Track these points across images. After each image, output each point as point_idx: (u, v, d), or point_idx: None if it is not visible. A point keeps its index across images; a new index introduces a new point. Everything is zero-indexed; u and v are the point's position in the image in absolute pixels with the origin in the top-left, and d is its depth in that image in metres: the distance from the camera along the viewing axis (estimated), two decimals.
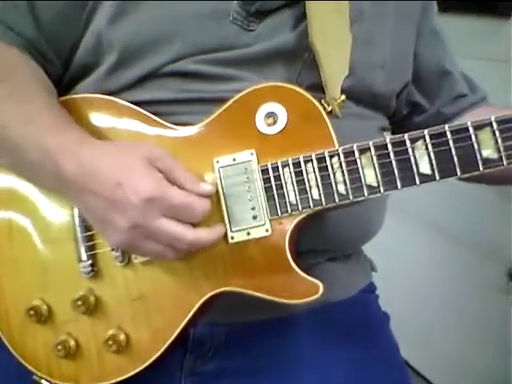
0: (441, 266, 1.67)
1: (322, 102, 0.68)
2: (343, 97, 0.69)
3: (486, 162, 0.59)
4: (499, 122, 0.59)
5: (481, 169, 0.59)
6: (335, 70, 0.70)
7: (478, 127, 0.59)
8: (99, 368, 0.69)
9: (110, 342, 0.67)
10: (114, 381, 0.69)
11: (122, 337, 0.68)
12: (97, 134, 0.69)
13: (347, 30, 0.73)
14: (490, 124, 0.59)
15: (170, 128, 0.70)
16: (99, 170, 0.61)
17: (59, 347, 0.69)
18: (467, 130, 0.59)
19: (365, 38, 0.75)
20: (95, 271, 0.69)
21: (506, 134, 0.59)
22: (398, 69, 0.79)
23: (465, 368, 1.60)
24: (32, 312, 0.70)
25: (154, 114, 0.71)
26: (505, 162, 0.59)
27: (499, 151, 0.59)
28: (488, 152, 0.59)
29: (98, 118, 0.72)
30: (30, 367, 0.71)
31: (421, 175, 0.61)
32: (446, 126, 0.60)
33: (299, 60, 0.72)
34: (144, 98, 0.72)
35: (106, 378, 0.69)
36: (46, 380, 0.71)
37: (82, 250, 0.69)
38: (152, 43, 0.71)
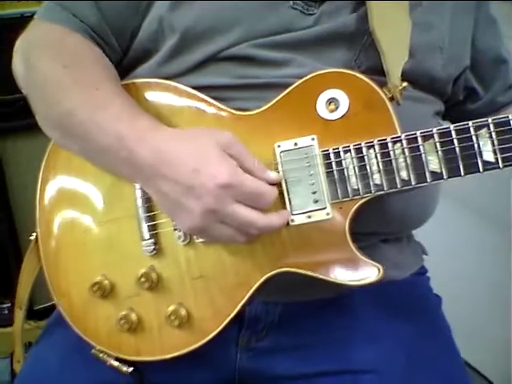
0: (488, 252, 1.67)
1: (384, 89, 0.68)
2: (405, 83, 0.70)
3: None
4: None
5: None
6: (396, 56, 0.71)
7: None
8: (160, 342, 0.72)
9: (173, 317, 0.70)
10: (173, 355, 0.71)
11: (183, 313, 0.70)
12: (158, 117, 0.71)
13: (407, 16, 0.73)
14: None
15: (229, 113, 0.71)
16: (175, 157, 0.62)
17: (122, 321, 0.71)
18: None
19: (424, 24, 0.75)
20: (157, 250, 0.72)
21: None
22: (456, 54, 0.80)
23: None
24: (96, 288, 0.73)
25: (212, 99, 0.72)
26: None
27: None
28: None
29: (159, 102, 0.74)
30: (90, 341, 0.74)
31: (484, 162, 0.62)
32: (510, 116, 0.61)
33: (357, 43, 0.72)
34: (202, 83, 0.73)
35: (166, 352, 0.71)
36: (105, 353, 0.74)
37: (145, 229, 0.71)
38: (212, 28, 0.73)
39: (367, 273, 0.66)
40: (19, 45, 0.76)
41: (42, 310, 1.71)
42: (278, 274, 0.68)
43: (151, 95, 0.74)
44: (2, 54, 1.56)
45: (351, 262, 0.66)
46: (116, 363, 0.73)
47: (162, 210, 0.68)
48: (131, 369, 0.73)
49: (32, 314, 1.75)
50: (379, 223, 0.75)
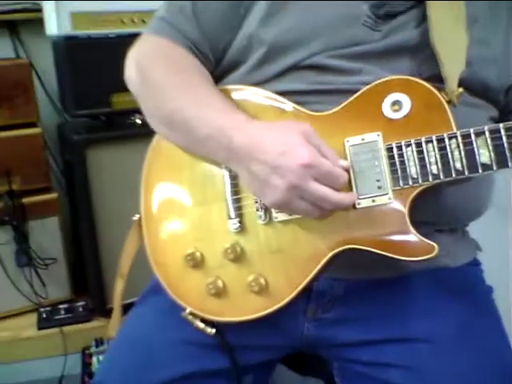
0: None
1: (442, 93, 0.79)
2: (461, 89, 0.80)
3: None
4: None
5: None
6: (453, 66, 0.81)
7: None
8: (241, 305, 0.84)
9: (253, 284, 0.82)
10: (252, 317, 0.83)
11: (262, 281, 0.82)
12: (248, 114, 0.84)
13: (464, 31, 0.83)
14: None
15: (306, 113, 0.84)
16: (265, 142, 0.74)
17: (211, 286, 0.84)
18: None
19: (480, 39, 0.85)
20: (241, 227, 0.84)
21: None
22: (508, 66, 0.89)
23: None
24: (189, 258, 0.86)
25: (291, 102, 0.84)
26: None
27: None
28: None
29: (246, 104, 0.87)
30: (182, 304, 0.87)
31: None
32: None
33: (420, 54, 0.83)
34: (283, 88, 0.86)
35: (246, 314, 0.83)
36: (193, 315, 0.86)
37: (232, 209, 0.84)
38: (294, 42, 0.85)
39: (424, 251, 0.75)
40: (132, 55, 0.91)
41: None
42: (345, 252, 0.79)
43: (240, 98, 0.88)
44: (88, 73, 1.77)
45: (410, 241, 0.76)
46: (202, 325, 0.86)
47: (250, 189, 0.80)
48: (214, 330, 0.86)
49: (105, 312, 1.90)
50: (434, 213, 0.84)
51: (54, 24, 1.80)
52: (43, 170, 1.96)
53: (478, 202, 0.91)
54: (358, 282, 0.87)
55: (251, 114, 0.85)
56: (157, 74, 0.88)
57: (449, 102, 0.78)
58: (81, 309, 1.98)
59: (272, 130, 0.76)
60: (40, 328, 1.93)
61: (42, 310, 1.97)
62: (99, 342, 1.89)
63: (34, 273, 1.94)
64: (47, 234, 1.97)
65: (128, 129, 1.93)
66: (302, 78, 0.86)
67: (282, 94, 0.86)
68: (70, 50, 1.82)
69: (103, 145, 1.87)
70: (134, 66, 0.90)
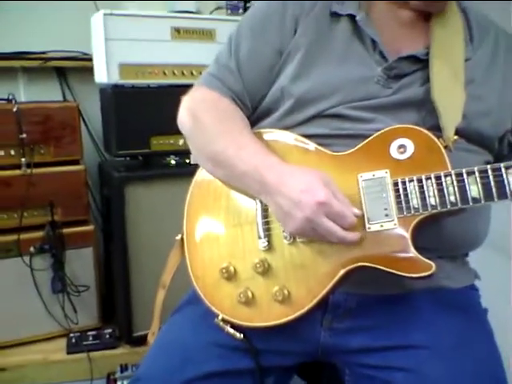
0: None
1: (440, 140, 0.94)
2: (456, 137, 0.95)
3: None
4: None
5: None
6: (450, 118, 0.96)
7: None
8: (267, 313, 0.97)
9: (277, 294, 0.95)
10: (275, 323, 0.96)
11: (285, 292, 0.96)
12: (276, 152, 1.00)
13: (461, 89, 0.99)
14: None
15: (326, 153, 0.99)
16: (291, 181, 0.90)
17: (241, 295, 0.98)
18: None
19: (475, 95, 1.01)
20: (269, 246, 0.99)
21: None
22: (501, 118, 1.04)
23: None
24: (224, 270, 1.00)
25: (315, 143, 1.01)
26: None
27: None
28: None
29: (277, 144, 1.04)
30: (216, 311, 1.01)
31: None
32: None
33: (424, 108, 0.99)
34: (308, 132, 1.02)
35: (270, 320, 0.97)
36: (225, 321, 1.00)
37: (261, 231, 0.99)
38: (318, 96, 1.02)
39: (423, 268, 0.88)
40: (186, 102, 1.09)
41: (140, 337, 1.98)
42: (357, 269, 0.92)
43: (271, 139, 1.05)
44: (130, 117, 1.95)
45: (411, 260, 0.89)
46: (232, 330, 1.00)
47: (276, 218, 0.95)
48: (242, 335, 1.00)
49: (131, 340, 2.01)
50: (435, 241, 0.97)
51: (104, 73, 1.99)
52: (83, 204, 2.13)
53: (474, 233, 1.04)
54: (368, 297, 0.99)
55: (280, 151, 1.01)
56: (206, 119, 1.04)
57: (446, 147, 0.93)
58: (108, 336, 2.09)
59: (298, 172, 0.91)
60: (69, 352, 2.04)
61: (71, 335, 2.09)
62: (124, 368, 1.98)
63: (67, 299, 2.08)
64: (82, 264, 2.12)
65: (163, 168, 2.11)
66: (325, 125, 1.01)
67: (308, 136, 1.01)
68: (116, 96, 2.02)
69: (140, 182, 2.03)
70: (187, 112, 1.07)
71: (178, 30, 2.08)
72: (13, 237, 1.98)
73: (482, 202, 0.86)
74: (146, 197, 2.02)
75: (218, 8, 2.39)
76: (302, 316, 0.95)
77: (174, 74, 2.07)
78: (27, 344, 2.07)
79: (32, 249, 2.01)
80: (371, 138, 0.96)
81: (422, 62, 1.01)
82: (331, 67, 1.02)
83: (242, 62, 1.07)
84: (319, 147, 1.00)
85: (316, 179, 0.89)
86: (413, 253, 0.89)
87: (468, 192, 0.87)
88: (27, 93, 2.29)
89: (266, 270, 0.98)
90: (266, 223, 1.00)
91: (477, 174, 0.87)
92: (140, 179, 2.04)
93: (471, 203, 0.87)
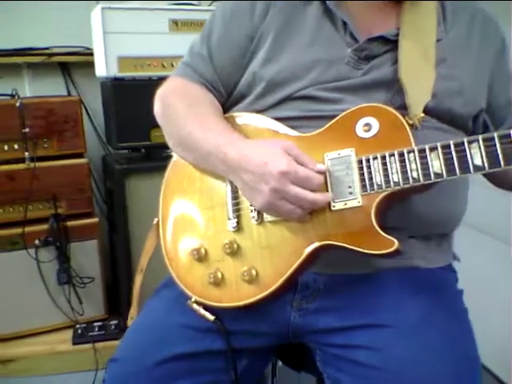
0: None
1: (406, 117, 0.93)
2: (422, 114, 0.94)
3: None
4: None
5: None
6: (417, 95, 0.95)
7: None
8: (236, 293, 0.98)
9: (245, 274, 0.96)
10: (244, 302, 0.96)
11: (253, 272, 0.96)
12: (247, 135, 1.02)
13: (432, 69, 0.98)
14: None
15: (295, 134, 0.99)
16: (253, 155, 0.90)
17: (211, 276, 0.99)
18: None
19: (446, 75, 0.99)
20: (238, 227, 0.99)
21: None
22: (473, 97, 1.03)
23: None
24: (195, 252, 1.02)
25: (285, 126, 1.01)
26: None
27: None
28: None
29: (248, 127, 1.04)
30: (189, 293, 1.02)
31: (474, 166, 0.83)
32: (495, 134, 0.82)
33: (392, 88, 0.98)
34: (280, 115, 1.02)
35: (239, 300, 0.97)
36: (198, 303, 1.01)
37: (231, 212, 1.00)
38: (289, 78, 1.02)
39: (385, 245, 0.87)
40: (159, 92, 1.11)
41: None
42: (323, 248, 0.92)
43: (242, 122, 1.06)
44: (130, 110, 1.97)
45: (375, 237, 0.88)
46: (203, 312, 1.00)
47: (243, 195, 0.96)
48: (213, 317, 1.00)
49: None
50: (403, 220, 0.96)
51: (103, 66, 2.03)
52: (87, 197, 2.16)
53: (447, 213, 1.02)
54: (337, 277, 0.99)
55: (250, 134, 1.02)
56: (175, 105, 1.06)
57: (412, 125, 0.93)
58: (113, 327, 2.13)
59: (258, 146, 0.93)
60: (75, 343, 2.08)
61: (77, 326, 2.13)
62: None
63: (73, 291, 2.11)
64: (87, 256, 2.15)
65: (164, 161, 2.09)
66: (295, 107, 1.01)
67: (279, 119, 1.02)
68: (115, 89, 2.05)
69: (141, 175, 2.05)
70: (158, 100, 1.10)
71: (176, 22, 2.09)
72: (18, 230, 2.02)
73: (445, 176, 0.84)
74: (147, 188, 2.03)
75: None
76: (270, 296, 0.95)
77: (172, 66, 2.07)
78: (34, 335, 2.11)
79: (37, 241, 2.05)
80: (338, 117, 0.96)
81: (392, 43, 1.00)
82: (301, 49, 1.02)
83: (214, 48, 1.09)
84: (287, 129, 1.00)
85: (276, 148, 0.89)
86: (376, 230, 0.88)
87: (430, 167, 0.85)
88: (32, 88, 2.33)
89: (235, 251, 0.99)
90: (236, 204, 1.00)
91: (439, 149, 0.85)
92: (141, 171, 2.06)
93: (433, 178, 0.85)
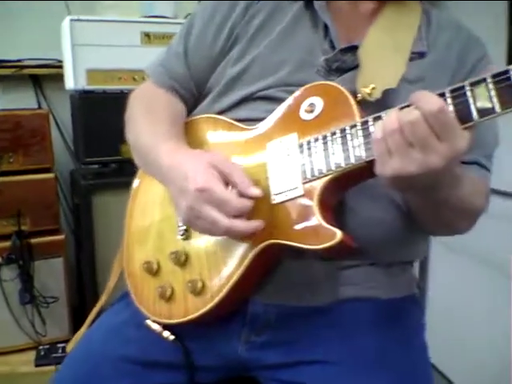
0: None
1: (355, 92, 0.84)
2: (372, 85, 0.86)
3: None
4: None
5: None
6: (375, 72, 0.87)
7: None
8: (184, 307, 0.89)
9: (190, 285, 0.88)
10: (190, 317, 0.88)
11: (199, 283, 0.87)
12: (198, 141, 0.97)
13: (403, 62, 0.90)
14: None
15: (246, 129, 0.93)
16: (178, 167, 0.84)
17: (159, 290, 0.91)
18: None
19: None
20: (187, 234, 0.92)
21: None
22: None
23: None
24: (145, 266, 0.94)
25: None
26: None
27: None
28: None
29: (201, 130, 0.99)
30: (143, 311, 0.94)
31: None
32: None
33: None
34: (240, 116, 0.95)
35: (186, 315, 0.88)
36: (154, 322, 0.92)
37: (179, 219, 0.92)
38: (251, 77, 0.96)
39: (328, 237, 0.76)
40: (131, 95, 1.06)
41: None
42: (268, 249, 0.83)
43: (198, 126, 1.00)
44: (100, 124, 1.92)
45: (316, 229, 0.78)
46: (161, 330, 0.92)
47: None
48: (173, 337, 0.92)
49: None
50: (365, 245, 0.86)
51: (71, 79, 1.98)
52: (53, 213, 2.09)
53: (407, 238, 0.94)
54: (288, 309, 0.91)
55: (200, 137, 0.97)
56: (134, 112, 1.02)
57: (361, 101, 0.84)
58: None
59: (187, 158, 0.85)
60: (37, 365, 1.98)
61: (40, 347, 2.03)
62: None
63: (36, 311, 2.02)
64: (51, 274, 2.07)
65: (133, 176, 2.05)
66: (255, 107, 0.95)
67: (238, 120, 0.94)
68: (84, 102, 2.00)
69: (109, 190, 1.98)
70: (128, 105, 1.04)
71: (148, 35, 2.06)
72: None
73: None
74: (116, 205, 1.92)
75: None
76: (216, 309, 0.86)
77: (143, 79, 2.01)
78: None
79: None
80: (285, 103, 0.89)
81: None
82: (272, 48, 0.95)
83: (190, 46, 1.04)
84: (239, 124, 0.94)
85: (200, 163, 0.82)
86: (318, 220, 0.78)
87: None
88: (2, 101, 2.27)
89: (182, 261, 0.90)
90: None
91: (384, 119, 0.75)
92: (109, 187, 1.99)
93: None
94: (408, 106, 0.71)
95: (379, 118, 0.76)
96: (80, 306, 2.18)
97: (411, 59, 0.91)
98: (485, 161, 0.96)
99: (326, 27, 0.94)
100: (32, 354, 2.02)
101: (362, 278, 0.92)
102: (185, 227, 0.92)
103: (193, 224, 0.83)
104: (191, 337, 0.93)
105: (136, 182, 1.08)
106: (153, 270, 0.93)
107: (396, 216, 0.90)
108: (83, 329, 1.12)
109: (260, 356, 0.92)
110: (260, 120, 0.92)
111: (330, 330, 0.90)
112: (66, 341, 2.04)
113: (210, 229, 0.81)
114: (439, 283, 2.13)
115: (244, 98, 0.96)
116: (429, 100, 0.67)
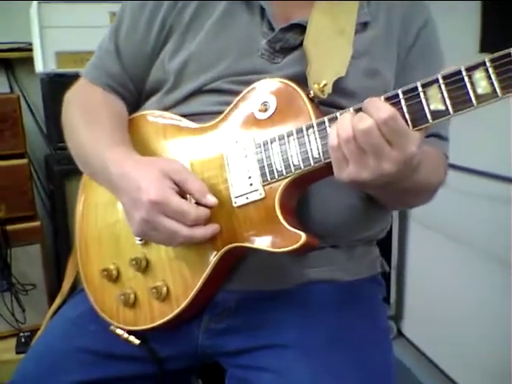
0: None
1: (307, 90, 0.82)
2: (324, 81, 0.83)
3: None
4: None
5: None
6: (323, 65, 0.85)
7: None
8: (149, 313, 0.88)
9: (154, 291, 0.86)
10: (158, 323, 0.87)
11: (163, 288, 0.86)
12: (150, 136, 0.93)
13: (347, 45, 0.87)
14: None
15: (197, 126, 0.90)
16: (129, 176, 0.80)
17: (122, 297, 0.89)
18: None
19: (370, 70, 0.90)
20: (145, 240, 0.89)
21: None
22: None
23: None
24: (105, 273, 0.91)
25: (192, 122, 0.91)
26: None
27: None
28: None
29: (145, 129, 0.95)
30: (106, 318, 0.92)
31: None
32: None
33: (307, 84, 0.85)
34: (189, 111, 0.92)
35: (153, 321, 0.88)
36: (120, 328, 0.91)
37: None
38: (196, 69, 0.92)
39: (292, 240, 0.76)
40: (65, 97, 1.01)
41: None
42: (230, 252, 0.82)
43: (144, 124, 0.96)
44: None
45: (281, 232, 0.78)
46: (127, 335, 0.91)
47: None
48: (138, 341, 0.91)
49: None
50: (325, 229, 0.87)
51: (41, 62, 1.94)
52: (28, 199, 2.06)
53: (368, 217, 0.94)
54: (248, 295, 0.90)
55: (147, 136, 0.93)
56: (70, 114, 0.97)
57: (314, 98, 0.82)
58: None
59: (139, 166, 0.82)
60: (18, 352, 1.98)
61: (21, 334, 2.03)
62: None
63: (14, 298, 2.01)
64: (29, 261, 2.05)
65: None
66: (204, 102, 0.92)
67: (186, 116, 0.92)
68: (54, 86, 1.95)
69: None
70: (63, 108, 1.00)
71: (115, 14, 2.00)
72: None
73: None
74: None
75: None
76: (182, 314, 0.85)
77: None
78: None
79: None
80: (236, 100, 0.86)
81: None
82: (209, 39, 0.92)
83: (121, 42, 0.99)
84: (189, 122, 0.90)
85: (152, 172, 0.79)
86: (281, 224, 0.78)
87: None
88: None
89: (143, 267, 0.89)
90: None
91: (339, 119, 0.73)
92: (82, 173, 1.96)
93: None
94: (359, 108, 0.71)
95: (335, 118, 0.74)
96: (59, 292, 2.16)
97: (355, 32, 0.90)
98: (444, 131, 0.96)
99: (261, 10, 0.91)
100: (12, 342, 2.02)
101: (324, 261, 0.91)
102: None
103: (147, 236, 0.81)
104: (154, 335, 0.92)
105: (85, 179, 1.03)
106: (112, 277, 0.92)
107: (356, 199, 0.90)
108: (44, 322, 1.09)
109: (220, 343, 0.92)
110: (211, 114, 0.90)
111: (290, 313, 0.89)
112: None
113: (167, 239, 0.79)
114: (417, 261, 2.14)
115: (192, 93, 0.93)
116: (380, 107, 0.67)
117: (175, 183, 0.79)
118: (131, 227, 0.82)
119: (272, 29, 0.90)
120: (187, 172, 0.81)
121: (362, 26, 0.91)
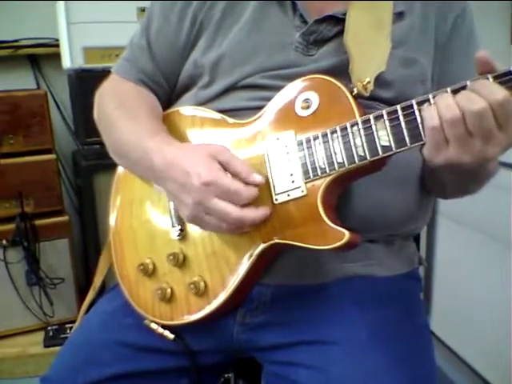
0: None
1: (350, 86, 0.81)
2: (368, 79, 0.82)
3: None
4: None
5: None
6: (365, 61, 0.84)
7: None
8: (186, 308, 0.88)
9: (192, 287, 0.86)
10: (195, 318, 0.87)
11: (201, 283, 0.86)
12: (183, 133, 0.93)
13: (385, 39, 0.86)
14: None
15: (235, 122, 0.89)
16: (176, 163, 0.80)
17: (158, 292, 0.89)
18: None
19: (407, 59, 0.89)
20: (183, 234, 0.89)
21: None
22: (437, 85, 0.92)
23: None
24: (141, 267, 0.92)
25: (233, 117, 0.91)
26: None
27: None
28: None
29: (183, 123, 0.95)
30: (141, 312, 0.93)
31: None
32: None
33: (346, 76, 0.85)
34: (225, 107, 0.92)
35: (190, 315, 0.88)
36: (154, 322, 0.92)
37: (174, 218, 0.90)
38: (230, 65, 0.92)
39: (335, 238, 0.75)
40: (97, 93, 1.02)
41: None
42: (271, 250, 0.82)
43: (180, 118, 0.96)
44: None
45: (323, 229, 0.77)
46: (162, 330, 0.91)
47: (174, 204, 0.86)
48: (173, 336, 0.91)
49: None
50: (363, 222, 0.85)
51: (68, 58, 1.95)
52: (56, 194, 2.08)
53: (406, 211, 0.92)
54: (284, 288, 0.90)
55: (185, 130, 0.93)
56: (105, 108, 0.97)
57: (356, 96, 0.81)
58: None
59: (184, 152, 0.82)
60: (46, 346, 2.01)
61: (49, 328, 2.06)
62: None
63: (43, 292, 2.04)
64: (57, 255, 2.07)
65: None
66: (240, 97, 0.92)
67: (223, 111, 0.91)
68: (81, 81, 1.96)
69: (111, 170, 1.95)
70: (95, 103, 1.01)
71: (143, 10, 2.00)
72: None
73: (394, 149, 0.73)
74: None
75: None
76: (220, 309, 0.85)
77: None
78: (4, 338, 2.05)
79: (4, 241, 1.98)
80: (276, 96, 0.85)
81: (343, 23, 0.88)
82: (242, 34, 0.92)
83: (152, 38, 0.99)
84: (227, 118, 0.90)
85: (201, 156, 0.79)
86: (324, 221, 0.77)
87: (377, 140, 0.74)
88: (0, 83, 2.23)
89: (181, 262, 0.88)
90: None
91: (385, 116, 0.74)
92: (110, 167, 1.94)
93: (381, 153, 0.74)
94: (458, 89, 0.69)
95: (381, 117, 0.74)
96: (87, 286, 2.16)
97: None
98: None
99: (293, 5, 0.91)
100: (41, 335, 2.04)
101: (362, 256, 0.90)
102: (180, 227, 0.89)
103: (200, 220, 0.80)
104: (188, 329, 0.92)
105: (120, 171, 1.03)
106: (148, 271, 0.92)
107: (399, 193, 0.89)
108: (79, 316, 1.11)
109: (256, 337, 0.91)
110: (247, 109, 0.89)
111: (327, 309, 0.88)
112: (74, 321, 2.04)
113: (217, 223, 0.79)
114: (446, 257, 2.12)
115: (227, 89, 0.93)
116: (494, 89, 0.66)
117: (221, 165, 0.79)
118: (182, 213, 0.82)
119: (305, 22, 0.90)
120: (230, 153, 0.81)
121: (398, 16, 0.90)
